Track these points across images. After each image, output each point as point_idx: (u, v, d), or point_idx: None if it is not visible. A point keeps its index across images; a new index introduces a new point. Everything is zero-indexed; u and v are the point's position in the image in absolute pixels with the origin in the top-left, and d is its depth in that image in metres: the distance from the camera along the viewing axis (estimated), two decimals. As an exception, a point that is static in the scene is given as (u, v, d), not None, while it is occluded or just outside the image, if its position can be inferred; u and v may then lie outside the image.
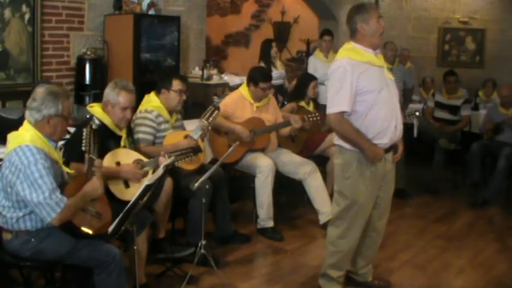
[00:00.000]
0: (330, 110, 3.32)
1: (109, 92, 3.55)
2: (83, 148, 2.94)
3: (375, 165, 3.38)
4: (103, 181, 3.34)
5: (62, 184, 2.86)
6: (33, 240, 2.81)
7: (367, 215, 3.49)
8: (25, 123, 2.87)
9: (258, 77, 4.70)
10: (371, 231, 3.60)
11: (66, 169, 3.01)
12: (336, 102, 3.28)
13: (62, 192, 2.78)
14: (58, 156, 2.96)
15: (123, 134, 3.61)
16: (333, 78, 3.32)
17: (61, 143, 3.88)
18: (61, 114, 2.85)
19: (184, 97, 4.11)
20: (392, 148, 3.48)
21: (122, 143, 3.60)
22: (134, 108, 3.82)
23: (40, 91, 2.86)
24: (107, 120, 3.52)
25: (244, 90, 4.80)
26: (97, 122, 3.08)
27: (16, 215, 2.80)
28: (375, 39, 3.35)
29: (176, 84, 4.08)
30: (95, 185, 2.92)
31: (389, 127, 3.36)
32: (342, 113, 3.28)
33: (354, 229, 3.46)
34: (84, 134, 2.95)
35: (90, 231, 2.85)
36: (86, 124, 3.07)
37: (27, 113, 2.86)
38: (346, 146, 3.38)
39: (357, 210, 3.42)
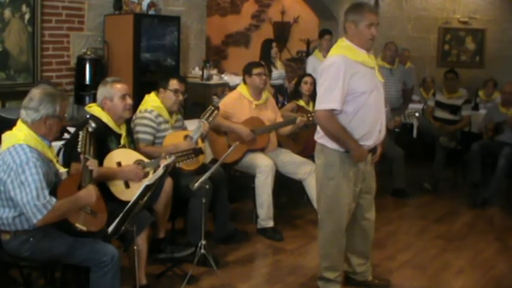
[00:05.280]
0: (320, 106, 3.28)
1: (102, 90, 3.58)
2: (79, 149, 3.02)
3: (357, 166, 3.38)
4: (103, 181, 3.37)
5: (56, 182, 2.86)
6: (31, 239, 2.81)
7: (350, 216, 3.47)
8: (19, 122, 2.88)
9: (249, 67, 4.77)
10: (358, 230, 3.59)
11: (60, 168, 3.01)
12: (326, 98, 3.24)
13: (55, 191, 2.78)
14: (52, 155, 2.97)
15: (122, 132, 3.61)
16: (326, 75, 3.26)
17: (60, 143, 3.91)
18: (58, 115, 2.88)
19: (180, 97, 4.10)
20: (373, 150, 3.47)
21: (122, 141, 3.60)
22: (134, 109, 3.82)
23: (37, 92, 2.87)
24: (106, 119, 3.52)
25: (242, 89, 4.81)
26: (93, 125, 3.13)
27: (12, 215, 2.80)
28: (362, 43, 3.30)
29: (172, 84, 4.08)
30: (89, 192, 2.91)
31: (374, 130, 3.35)
32: (332, 110, 3.25)
33: (339, 230, 3.44)
34: (80, 136, 3.03)
35: (84, 228, 2.85)
36: (86, 124, 3.13)
37: (23, 113, 2.86)
38: (330, 145, 3.34)
39: (340, 211, 3.40)
